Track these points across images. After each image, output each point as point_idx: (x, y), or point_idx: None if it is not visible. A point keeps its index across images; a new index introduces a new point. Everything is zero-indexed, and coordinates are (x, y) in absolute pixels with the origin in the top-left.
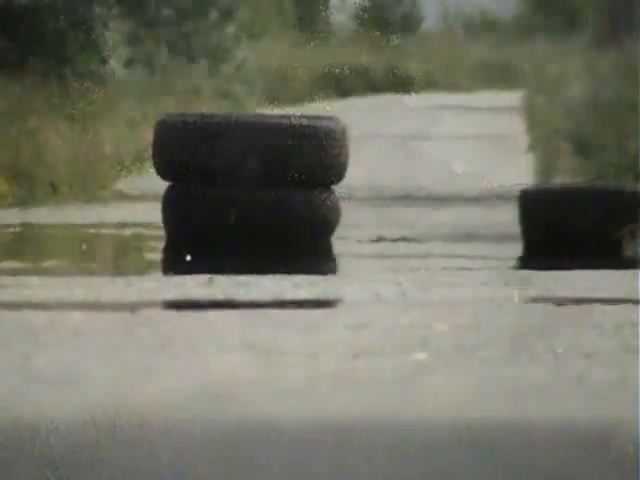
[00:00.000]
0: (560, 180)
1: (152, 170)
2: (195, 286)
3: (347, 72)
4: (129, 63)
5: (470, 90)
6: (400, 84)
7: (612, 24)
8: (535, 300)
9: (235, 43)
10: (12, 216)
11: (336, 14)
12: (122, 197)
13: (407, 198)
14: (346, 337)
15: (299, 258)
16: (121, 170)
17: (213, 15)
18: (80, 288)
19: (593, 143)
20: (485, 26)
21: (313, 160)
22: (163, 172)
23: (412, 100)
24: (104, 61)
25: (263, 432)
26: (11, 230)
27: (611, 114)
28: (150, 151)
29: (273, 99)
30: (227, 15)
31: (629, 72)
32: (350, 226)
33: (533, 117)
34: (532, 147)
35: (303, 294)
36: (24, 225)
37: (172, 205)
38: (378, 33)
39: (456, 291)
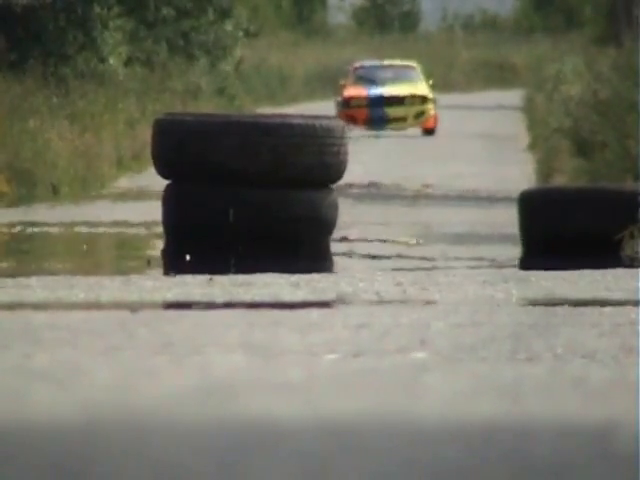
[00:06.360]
0: (560, 180)
1: (152, 169)
2: (195, 285)
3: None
4: (129, 62)
5: (469, 89)
6: None
7: (611, 23)
8: (535, 300)
9: (233, 42)
10: (11, 215)
11: (334, 13)
12: (122, 196)
13: (402, 196)
14: (345, 337)
15: (298, 257)
16: (120, 169)
17: (212, 14)
18: (79, 287)
19: (593, 142)
20: (484, 25)
21: (312, 159)
22: (163, 171)
23: None
24: (104, 60)
25: (262, 431)
26: (10, 230)
27: (611, 113)
28: (149, 150)
29: (271, 98)
30: (225, 14)
31: (629, 71)
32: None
33: (533, 116)
34: (532, 146)
35: (302, 293)
36: (23, 224)
37: (172, 204)
38: (376, 32)
39: (456, 291)
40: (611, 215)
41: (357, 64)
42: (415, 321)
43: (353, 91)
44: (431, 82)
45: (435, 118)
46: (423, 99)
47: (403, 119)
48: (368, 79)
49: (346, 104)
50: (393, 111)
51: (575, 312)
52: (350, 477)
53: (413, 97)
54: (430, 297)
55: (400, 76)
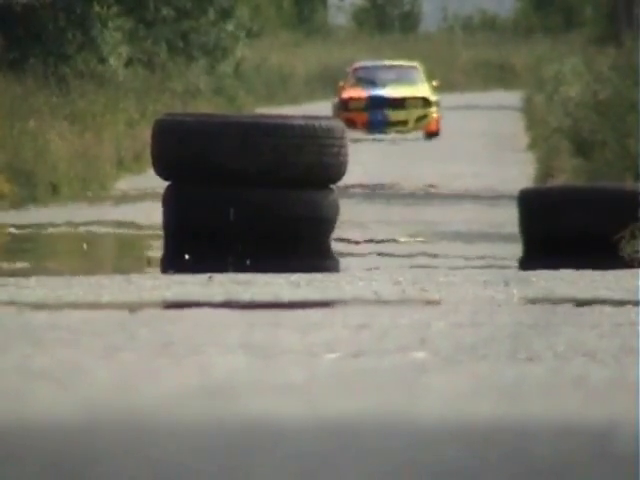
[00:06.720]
0: (560, 180)
1: (152, 169)
2: (195, 285)
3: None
4: (128, 62)
5: (469, 89)
6: None
7: (611, 23)
8: (535, 300)
9: (234, 42)
10: (11, 215)
11: (335, 13)
12: (122, 196)
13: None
14: (345, 337)
15: (299, 257)
16: (121, 169)
17: (212, 14)
18: (79, 287)
19: (593, 142)
20: (484, 26)
21: (312, 159)
22: (163, 172)
23: None
24: (104, 60)
25: (262, 431)
26: (10, 230)
27: (610, 113)
28: (149, 150)
29: (272, 98)
30: (226, 14)
31: (629, 71)
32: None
33: (532, 116)
34: (532, 146)
35: (302, 293)
36: (23, 224)
37: (172, 204)
38: (376, 33)
39: (456, 291)
40: (611, 215)
41: (356, 64)
42: (415, 321)
43: (352, 92)
44: (435, 83)
45: (438, 121)
46: (425, 101)
47: (404, 123)
48: (368, 80)
49: (344, 106)
50: (394, 114)
51: (575, 312)
52: (350, 477)
53: (415, 99)
54: (430, 297)
55: (402, 77)
